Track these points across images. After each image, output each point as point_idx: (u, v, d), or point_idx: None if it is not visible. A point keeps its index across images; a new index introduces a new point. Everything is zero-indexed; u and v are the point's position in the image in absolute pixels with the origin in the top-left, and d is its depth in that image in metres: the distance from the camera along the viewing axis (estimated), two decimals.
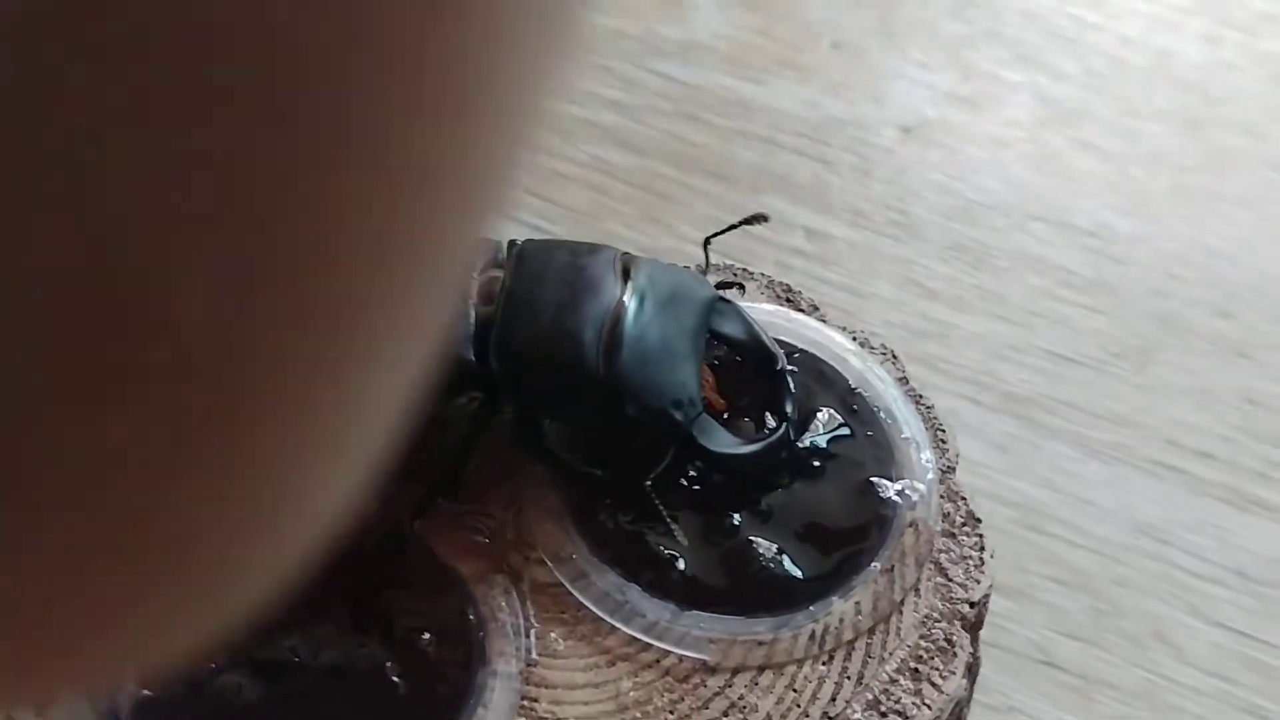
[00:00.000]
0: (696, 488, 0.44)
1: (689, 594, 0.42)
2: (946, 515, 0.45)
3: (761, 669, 0.41)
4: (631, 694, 0.41)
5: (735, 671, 0.41)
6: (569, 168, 0.69)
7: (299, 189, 0.14)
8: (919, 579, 0.43)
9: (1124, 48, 0.75)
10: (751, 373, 0.45)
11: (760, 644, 0.42)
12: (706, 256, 0.48)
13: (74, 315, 0.14)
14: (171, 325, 0.14)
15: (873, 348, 0.49)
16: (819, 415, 0.46)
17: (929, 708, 0.41)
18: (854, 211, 0.68)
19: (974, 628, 0.44)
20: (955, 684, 0.42)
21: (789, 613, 0.42)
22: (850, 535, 0.44)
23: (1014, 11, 0.76)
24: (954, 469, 0.46)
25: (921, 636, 0.42)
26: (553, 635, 0.42)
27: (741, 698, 0.41)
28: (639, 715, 0.41)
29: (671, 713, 0.41)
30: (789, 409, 0.45)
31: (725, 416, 0.44)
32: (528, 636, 0.42)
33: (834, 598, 0.42)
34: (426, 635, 0.41)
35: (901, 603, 0.43)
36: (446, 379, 0.45)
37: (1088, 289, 0.65)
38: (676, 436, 0.43)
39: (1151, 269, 0.66)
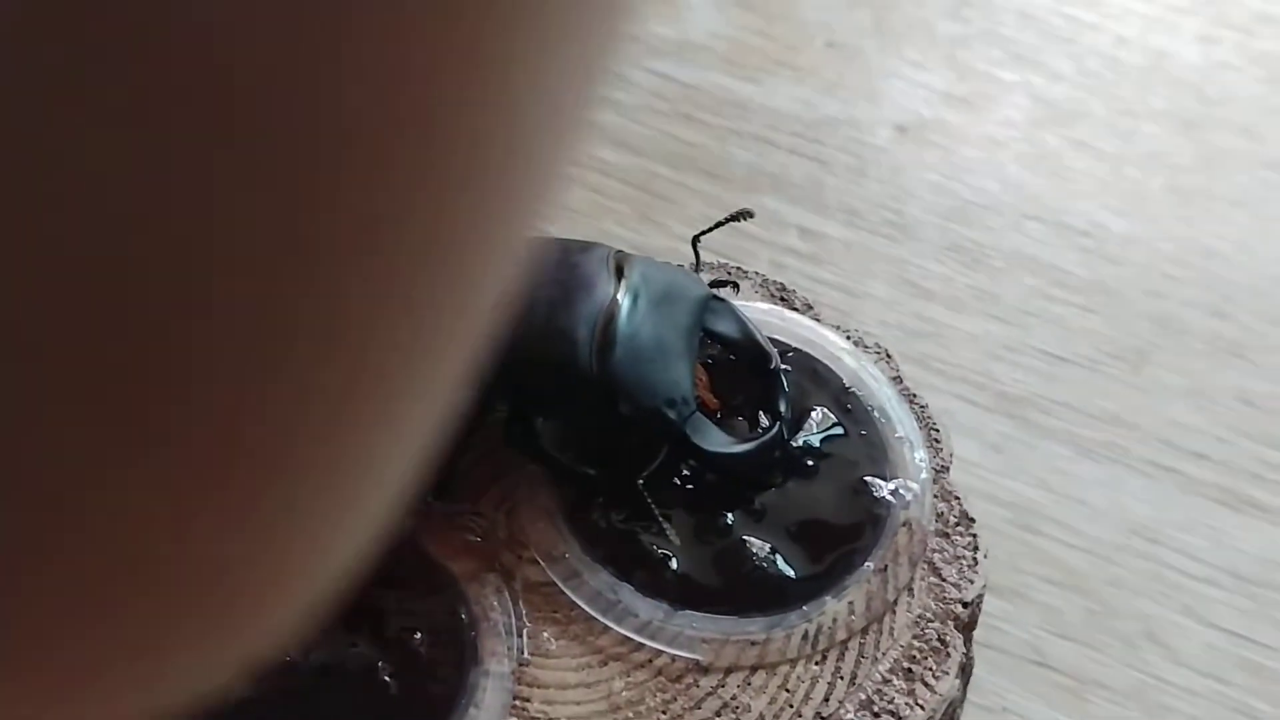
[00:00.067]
0: (690, 487, 0.44)
1: (682, 593, 0.42)
2: (940, 515, 0.45)
3: (754, 669, 0.41)
4: (624, 694, 0.41)
5: (728, 671, 0.41)
6: None
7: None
8: (912, 579, 0.43)
9: (1120, 48, 0.75)
10: (745, 371, 0.45)
11: (753, 644, 0.42)
12: (696, 254, 0.48)
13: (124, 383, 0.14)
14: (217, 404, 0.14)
15: (867, 347, 0.49)
16: (813, 414, 0.46)
17: (922, 708, 0.41)
18: (849, 211, 0.68)
19: (967, 628, 0.43)
20: (948, 684, 0.41)
21: (782, 612, 0.42)
22: (844, 535, 0.44)
23: (1010, 11, 0.76)
24: (948, 468, 0.46)
25: (915, 636, 0.42)
26: (545, 635, 0.42)
27: (734, 698, 0.41)
28: (631, 715, 0.41)
29: (664, 713, 0.41)
30: (782, 408, 0.44)
31: (719, 415, 0.44)
32: (520, 636, 0.42)
33: (827, 597, 0.42)
34: (418, 634, 0.41)
35: (895, 602, 0.43)
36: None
37: (1083, 289, 0.65)
38: (670, 435, 0.42)
39: (1147, 269, 0.66)
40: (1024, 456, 0.59)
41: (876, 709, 0.41)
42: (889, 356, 0.49)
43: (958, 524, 0.45)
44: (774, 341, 0.46)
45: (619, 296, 0.43)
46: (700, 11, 0.76)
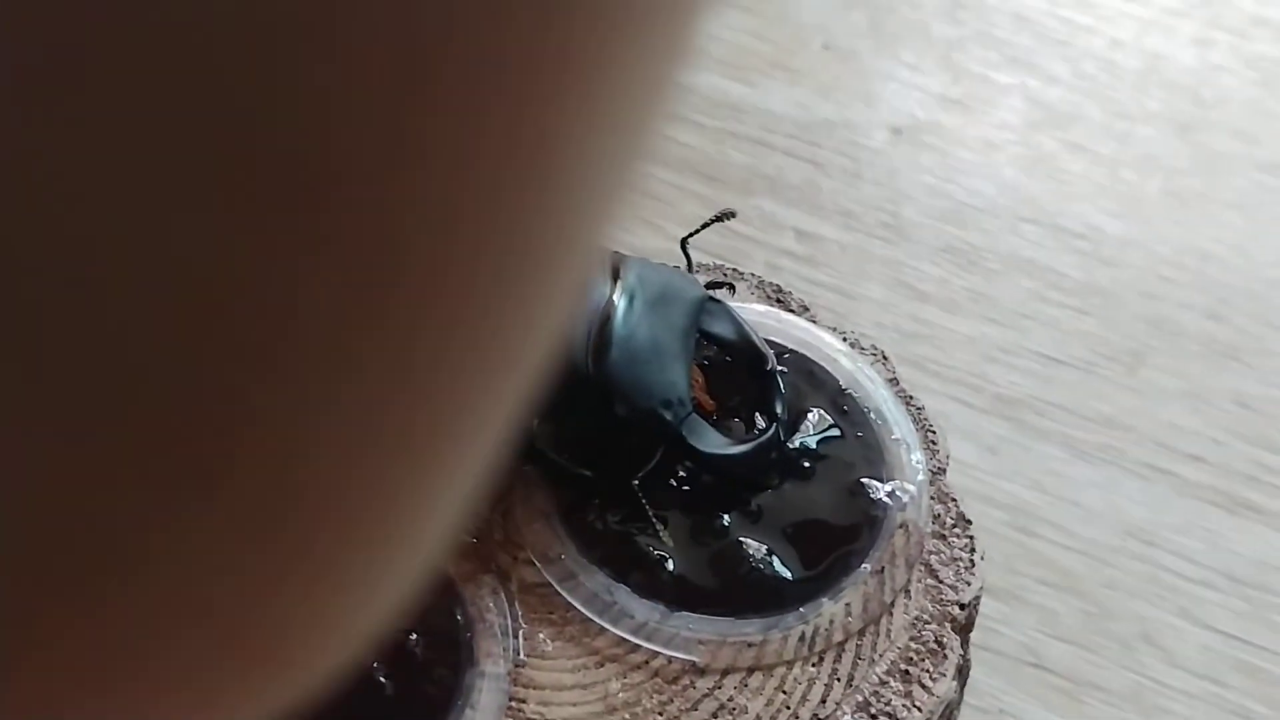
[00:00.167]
0: (686, 488, 0.44)
1: (678, 595, 0.42)
2: (937, 517, 0.45)
3: (751, 670, 0.41)
4: (620, 695, 0.41)
5: (724, 673, 0.41)
6: None
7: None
8: (909, 580, 0.43)
9: (1115, 51, 0.75)
10: (741, 373, 0.45)
11: (750, 645, 0.41)
12: (687, 257, 0.48)
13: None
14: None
15: (863, 349, 0.49)
16: (809, 416, 0.46)
17: (919, 709, 0.41)
18: (844, 213, 0.68)
19: (964, 629, 0.43)
20: (945, 686, 0.41)
21: (779, 614, 0.42)
22: (840, 536, 0.44)
23: (1005, 14, 0.76)
24: (944, 470, 0.46)
25: (912, 638, 0.42)
26: (541, 636, 0.42)
27: (731, 699, 0.41)
28: (628, 716, 0.40)
29: (660, 714, 0.40)
30: (779, 409, 0.44)
31: (714, 417, 0.44)
32: (516, 637, 0.42)
33: (824, 599, 0.42)
34: (414, 636, 0.41)
35: (892, 604, 0.43)
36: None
37: (1078, 291, 0.65)
38: (666, 436, 0.42)
39: (1143, 272, 0.66)
40: (1019, 458, 0.59)
41: (873, 711, 0.41)
42: (885, 358, 0.49)
43: (954, 526, 0.45)
44: (770, 343, 0.46)
45: (615, 298, 0.42)
46: None
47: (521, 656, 0.41)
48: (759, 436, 0.44)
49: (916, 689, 0.41)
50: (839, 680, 0.41)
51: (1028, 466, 0.59)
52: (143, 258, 0.13)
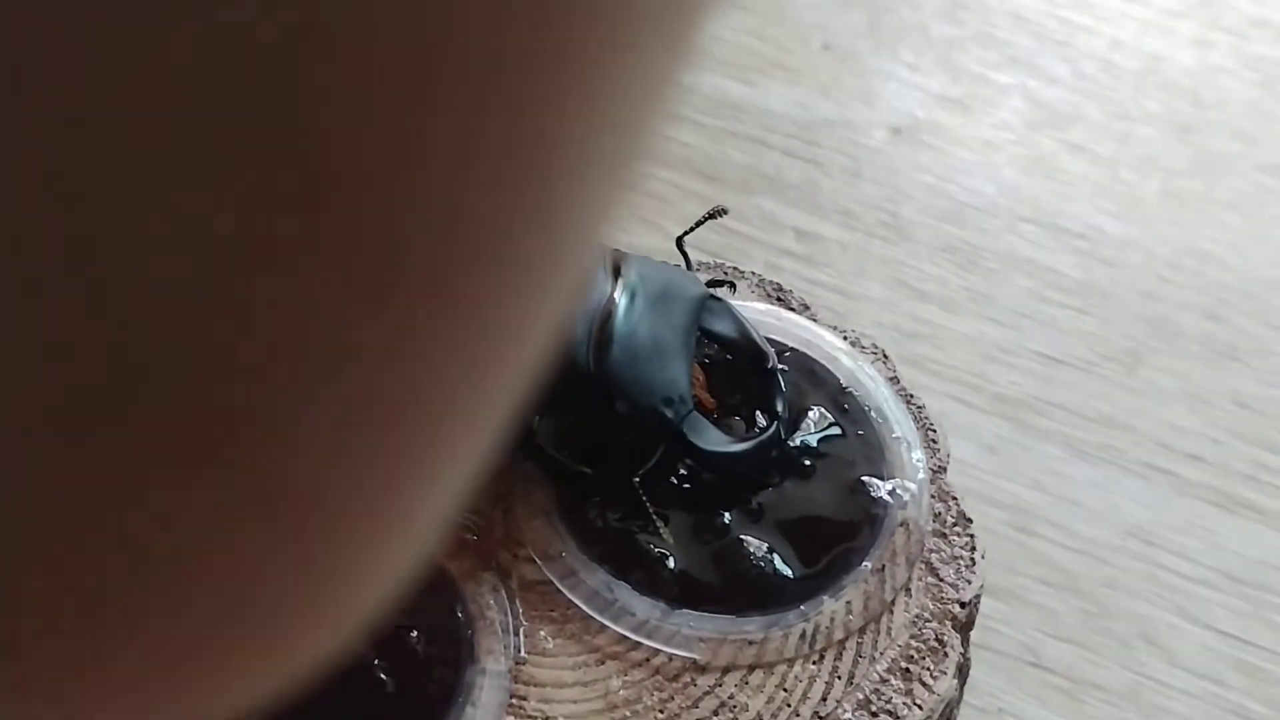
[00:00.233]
0: (687, 486, 0.44)
1: (679, 592, 0.42)
2: (937, 515, 0.45)
3: (752, 668, 0.41)
4: (621, 692, 0.41)
5: (725, 670, 0.41)
6: None
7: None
8: (910, 579, 0.43)
9: (1115, 51, 0.75)
10: (742, 371, 0.45)
11: (750, 643, 0.41)
12: (685, 255, 0.48)
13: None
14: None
15: (863, 347, 0.49)
16: (810, 414, 0.46)
17: (920, 707, 0.41)
18: (844, 213, 0.68)
19: (965, 628, 0.43)
20: (946, 684, 0.41)
21: (779, 612, 0.42)
22: (841, 534, 0.44)
23: (1004, 14, 0.76)
24: (945, 469, 0.46)
25: (912, 636, 0.42)
26: (542, 633, 0.42)
27: (731, 697, 0.41)
28: (628, 714, 0.40)
29: (661, 711, 0.40)
30: (779, 407, 0.44)
31: (715, 415, 0.44)
32: (516, 634, 0.42)
33: (825, 597, 0.42)
34: (415, 633, 0.41)
35: (892, 602, 0.43)
36: None
37: (1078, 291, 0.65)
38: (667, 434, 0.42)
39: (1142, 272, 0.66)
40: (1019, 458, 0.59)
41: (874, 709, 0.41)
42: (885, 357, 0.49)
43: (955, 524, 0.45)
44: (771, 341, 0.46)
45: (616, 295, 0.42)
46: None
47: (522, 654, 0.41)
48: (760, 434, 0.44)
49: (917, 687, 0.41)
50: (840, 678, 0.41)
51: (1027, 466, 0.59)
52: (144, 254, 0.13)
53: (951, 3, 0.77)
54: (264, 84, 0.12)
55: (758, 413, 0.45)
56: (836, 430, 0.46)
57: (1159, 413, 0.61)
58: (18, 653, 0.15)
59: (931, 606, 0.43)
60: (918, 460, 0.45)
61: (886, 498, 0.44)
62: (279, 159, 0.13)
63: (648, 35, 0.15)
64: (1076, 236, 0.67)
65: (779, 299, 0.50)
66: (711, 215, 0.48)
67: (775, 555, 0.43)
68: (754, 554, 0.43)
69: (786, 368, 0.46)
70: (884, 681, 0.41)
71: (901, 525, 0.44)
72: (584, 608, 0.42)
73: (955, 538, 0.44)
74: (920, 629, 0.42)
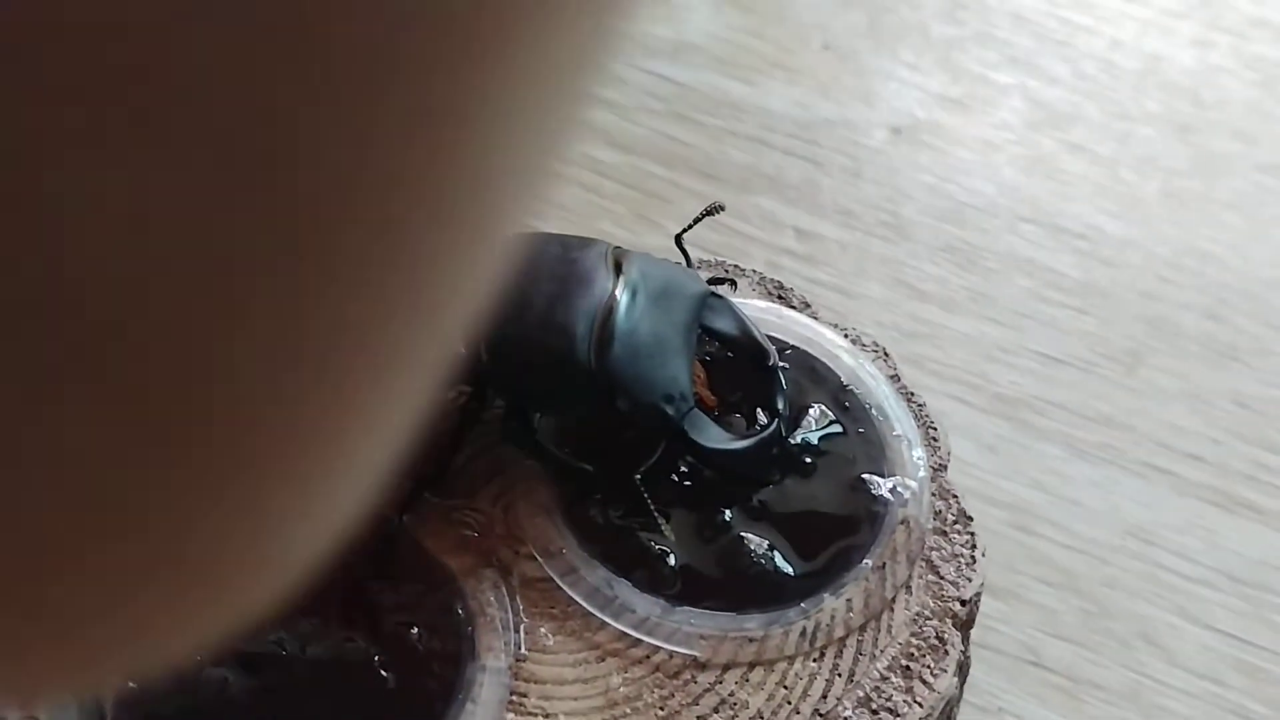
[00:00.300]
0: (688, 483, 0.44)
1: (679, 590, 0.42)
2: (938, 513, 0.45)
3: (752, 665, 0.41)
4: (621, 689, 0.41)
5: (726, 668, 0.41)
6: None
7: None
8: (910, 576, 0.43)
9: (1115, 51, 0.75)
10: (743, 368, 0.45)
11: (751, 640, 0.41)
12: (684, 253, 0.48)
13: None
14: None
15: (864, 345, 0.49)
16: (810, 412, 0.46)
17: (920, 705, 0.41)
18: (844, 212, 0.68)
19: (965, 626, 0.43)
20: (946, 682, 0.41)
21: (780, 609, 0.42)
22: (842, 532, 0.44)
23: (1004, 14, 0.76)
24: (945, 467, 0.46)
25: (913, 634, 0.42)
26: (542, 630, 0.42)
27: (732, 694, 0.41)
28: (629, 711, 0.40)
29: (661, 709, 0.40)
30: (780, 405, 0.44)
31: (716, 412, 0.44)
32: (517, 631, 0.41)
33: (825, 594, 0.42)
34: (415, 630, 0.41)
35: (893, 600, 0.43)
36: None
37: (1078, 291, 0.65)
38: (668, 431, 0.42)
39: (1142, 272, 0.66)
40: (1019, 457, 0.59)
41: (875, 706, 0.41)
42: (886, 355, 0.49)
43: (955, 522, 0.45)
44: (772, 339, 0.46)
45: (617, 292, 0.42)
46: (696, 12, 0.76)
47: (523, 651, 0.41)
48: (761, 432, 0.44)
49: (917, 684, 0.41)
50: (840, 675, 0.41)
51: (1027, 465, 0.59)
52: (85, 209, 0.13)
53: (951, 3, 0.77)
54: (180, 65, 0.13)
55: (759, 410, 0.45)
56: (837, 428, 0.46)
57: (1159, 412, 0.61)
58: None
59: (932, 604, 0.43)
60: (918, 458, 0.45)
61: (887, 495, 0.44)
62: (190, 119, 0.13)
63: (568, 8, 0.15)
64: (1076, 236, 0.67)
65: (780, 297, 0.50)
66: (709, 212, 0.48)
67: (776, 552, 0.43)
68: (755, 551, 0.43)
69: (787, 365, 0.46)
70: (884, 679, 0.41)
71: (902, 523, 0.44)
72: (584, 605, 0.42)
73: (956, 535, 0.44)
74: (921, 627, 0.42)
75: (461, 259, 0.16)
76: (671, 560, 0.43)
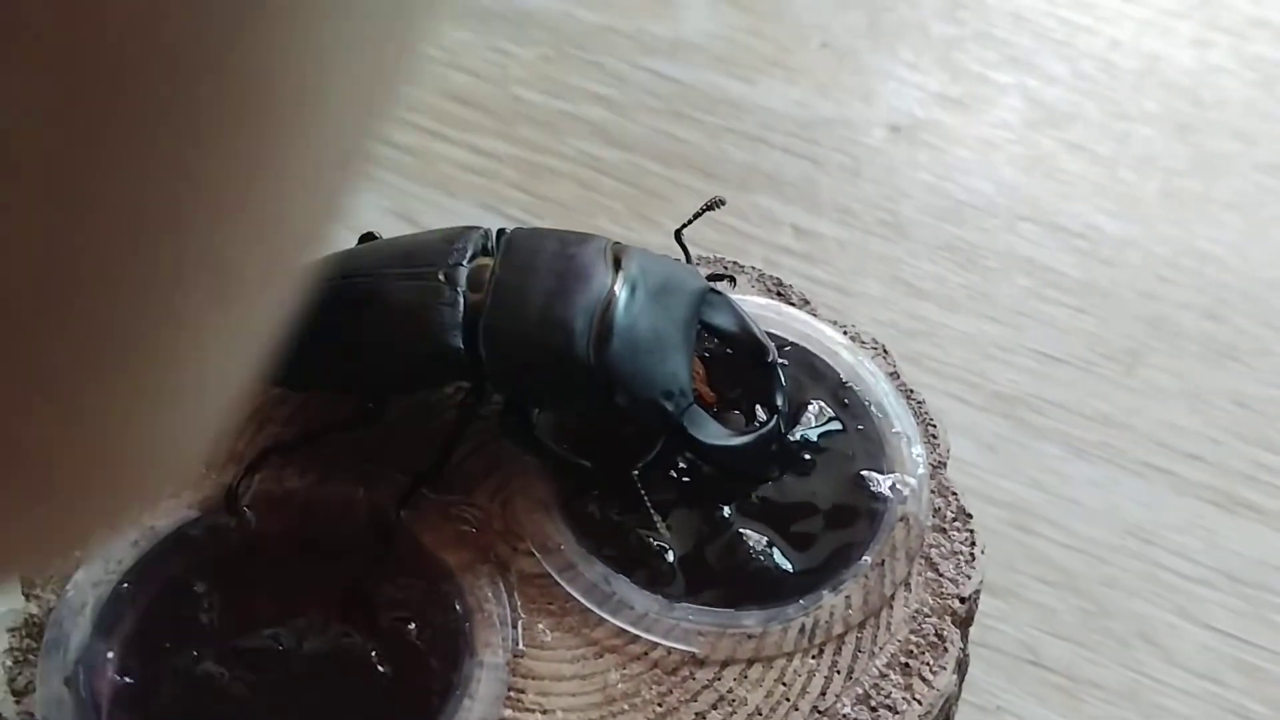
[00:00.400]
0: (686, 479, 0.44)
1: (678, 586, 0.42)
2: (937, 510, 0.45)
3: (751, 662, 0.41)
4: (619, 686, 0.41)
5: (724, 664, 0.41)
6: (557, 163, 0.69)
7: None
8: (909, 573, 0.43)
9: (1114, 51, 0.75)
10: (742, 365, 0.45)
11: (749, 637, 0.41)
12: (683, 248, 0.48)
13: None
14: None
15: (863, 342, 0.49)
16: (810, 408, 0.46)
17: (919, 702, 0.41)
18: (843, 210, 0.68)
19: (964, 623, 0.43)
20: (945, 679, 0.41)
21: (779, 606, 0.42)
22: (841, 529, 0.43)
23: (1004, 14, 0.76)
24: (945, 464, 0.46)
25: (912, 631, 0.42)
26: (540, 626, 0.42)
27: (730, 690, 0.41)
28: (627, 707, 0.40)
29: (660, 705, 0.40)
30: (779, 401, 0.44)
31: (715, 409, 0.44)
32: (515, 627, 0.41)
33: (824, 591, 0.42)
34: (413, 625, 0.41)
35: (892, 597, 0.42)
36: (435, 367, 0.44)
37: (1077, 290, 0.65)
38: (667, 427, 0.42)
39: (1141, 271, 0.66)
40: (1018, 456, 0.59)
41: (873, 703, 0.41)
42: (886, 352, 0.49)
43: (955, 519, 0.45)
44: (771, 335, 0.46)
45: (616, 288, 0.42)
46: (695, 11, 0.76)
47: (520, 647, 0.41)
48: (760, 428, 0.44)
49: (916, 682, 0.41)
50: (839, 672, 0.41)
51: (1026, 464, 0.59)
52: None
53: (951, 2, 0.77)
54: None
55: (758, 407, 0.45)
56: (836, 425, 0.45)
57: (1158, 412, 0.61)
58: None
59: (931, 601, 0.43)
60: (918, 455, 0.45)
61: (886, 492, 0.44)
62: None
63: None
64: (1075, 236, 0.67)
65: (779, 293, 0.50)
66: (709, 207, 0.48)
67: (775, 549, 0.43)
68: (753, 548, 0.43)
69: (787, 362, 0.46)
70: (883, 676, 0.41)
71: (901, 520, 0.44)
72: (582, 601, 0.42)
73: (955, 533, 0.44)
74: (920, 624, 0.42)
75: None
76: (670, 556, 0.42)
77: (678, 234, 0.48)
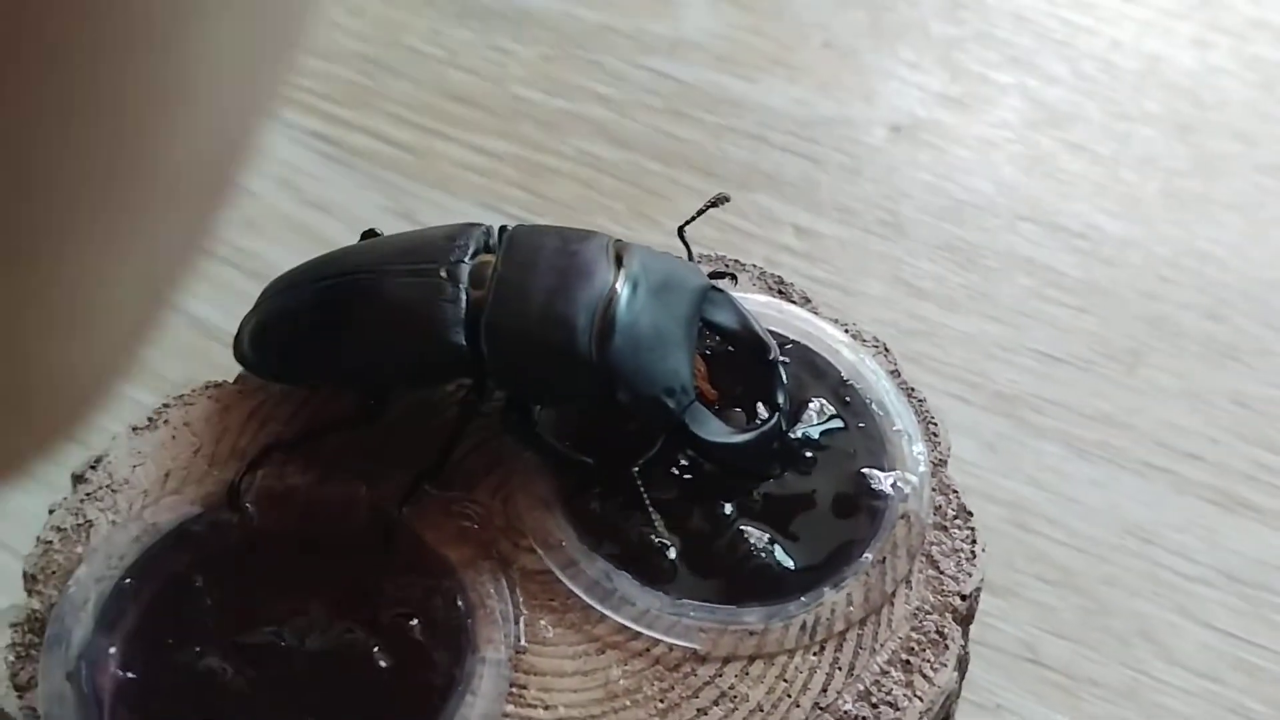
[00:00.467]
0: (688, 477, 0.44)
1: (679, 583, 0.42)
2: (938, 508, 0.45)
3: (752, 659, 0.41)
4: (621, 682, 0.41)
5: (726, 661, 0.41)
6: (557, 162, 0.69)
7: None
8: (910, 571, 0.43)
9: (1115, 51, 0.75)
10: (744, 362, 0.45)
11: (751, 633, 0.41)
12: (686, 245, 0.48)
13: None
14: None
15: (865, 340, 0.49)
16: (811, 406, 0.46)
17: (920, 699, 0.41)
18: (843, 210, 0.68)
19: (965, 620, 0.43)
20: (946, 676, 0.41)
21: (780, 602, 0.42)
22: (842, 526, 0.43)
23: (1005, 14, 0.76)
24: (945, 462, 0.46)
25: (913, 628, 0.42)
26: (542, 622, 0.42)
27: (732, 687, 0.41)
28: (628, 703, 0.40)
29: (661, 701, 0.40)
30: (781, 399, 0.44)
31: (717, 406, 0.44)
32: (516, 624, 0.41)
33: (825, 588, 0.42)
34: (415, 622, 0.41)
35: (893, 594, 0.42)
36: (437, 364, 0.44)
37: (1078, 290, 0.65)
38: (668, 424, 0.42)
39: (1141, 271, 0.66)
40: (1018, 455, 0.59)
41: (874, 700, 0.41)
42: (887, 350, 0.49)
43: (955, 517, 0.45)
44: (772, 333, 0.46)
45: (618, 285, 0.42)
46: (695, 10, 0.76)
47: (522, 643, 0.41)
48: (761, 426, 0.44)
49: (917, 679, 0.41)
50: (840, 669, 0.41)
51: (1026, 463, 0.59)
52: None
53: (952, 2, 0.77)
54: None
55: (759, 404, 0.45)
56: (838, 422, 0.45)
57: (1159, 411, 0.61)
58: None
59: (932, 599, 0.43)
60: (919, 453, 0.45)
61: (888, 490, 0.44)
62: None
63: None
64: (1076, 236, 0.67)
65: (780, 291, 0.50)
66: (713, 203, 0.48)
67: (776, 546, 0.43)
68: (755, 545, 0.43)
69: (788, 360, 0.46)
70: (884, 673, 0.41)
71: (902, 518, 0.44)
72: (584, 597, 0.42)
73: (956, 531, 0.44)
74: (921, 621, 0.42)
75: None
76: (671, 553, 0.42)
77: (680, 231, 0.48)
